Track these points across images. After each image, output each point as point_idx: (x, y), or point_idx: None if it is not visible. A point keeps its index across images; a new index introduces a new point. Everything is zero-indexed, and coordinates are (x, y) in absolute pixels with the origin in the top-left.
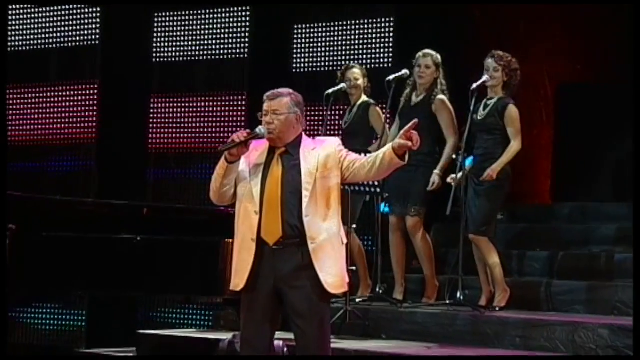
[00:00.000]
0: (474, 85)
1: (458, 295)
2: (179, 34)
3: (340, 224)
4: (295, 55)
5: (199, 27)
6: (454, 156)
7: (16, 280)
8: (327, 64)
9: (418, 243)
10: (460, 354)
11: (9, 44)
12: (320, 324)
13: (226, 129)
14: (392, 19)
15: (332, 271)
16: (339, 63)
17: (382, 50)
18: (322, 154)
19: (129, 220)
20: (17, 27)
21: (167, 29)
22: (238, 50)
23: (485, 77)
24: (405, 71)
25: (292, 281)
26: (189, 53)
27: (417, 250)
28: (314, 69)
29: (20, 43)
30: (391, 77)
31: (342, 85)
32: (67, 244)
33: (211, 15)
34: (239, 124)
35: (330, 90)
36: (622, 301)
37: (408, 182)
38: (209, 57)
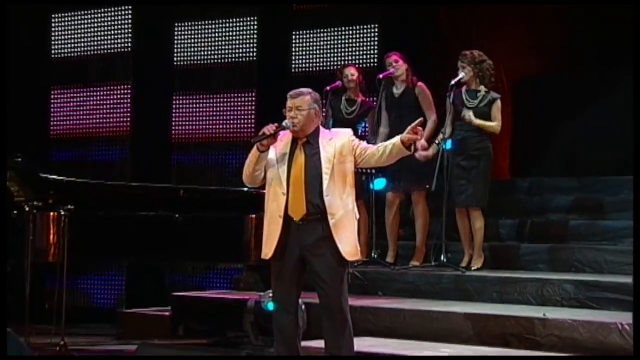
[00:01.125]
0: (453, 82)
1: (442, 257)
2: (196, 41)
3: (354, 201)
4: (293, 59)
5: (213, 34)
6: (436, 141)
7: (75, 252)
8: (323, 65)
9: (419, 213)
10: (448, 309)
11: (55, 51)
12: (340, 285)
13: (237, 122)
14: (376, 26)
15: (348, 242)
16: (334, 64)
17: (368, 52)
18: (337, 143)
19: (169, 200)
20: (61, 36)
21: (185, 37)
22: (247, 54)
23: (460, 75)
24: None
25: (315, 250)
26: (205, 58)
27: (416, 218)
28: (311, 69)
29: (64, 50)
30: (380, 75)
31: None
32: (117, 222)
33: (222, 25)
34: (249, 118)
35: (328, 87)
36: (578, 260)
37: (410, 163)
38: (222, 60)
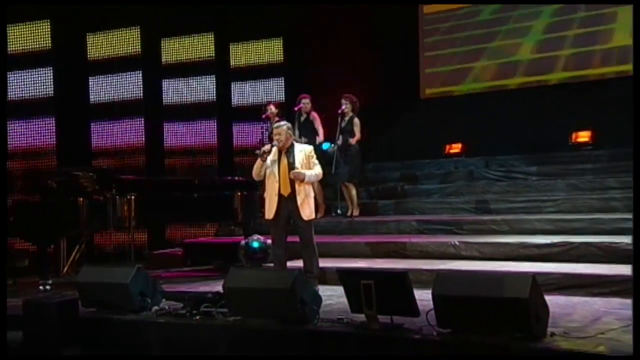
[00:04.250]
0: (339, 111)
1: (338, 211)
2: None
3: (311, 188)
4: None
5: None
6: (332, 145)
7: (137, 220)
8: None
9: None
10: (353, 240)
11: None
12: (310, 230)
13: None
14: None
15: (306, 210)
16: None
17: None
18: (303, 154)
19: (189, 186)
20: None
21: None
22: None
23: (343, 107)
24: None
25: (294, 213)
26: None
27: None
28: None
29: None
30: (295, 107)
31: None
32: (160, 200)
33: None
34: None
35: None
36: (412, 207)
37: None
38: None
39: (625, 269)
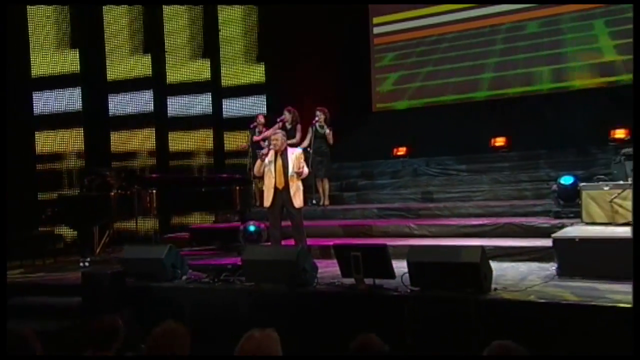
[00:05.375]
0: (314, 121)
1: (313, 201)
2: None
3: (301, 182)
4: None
5: None
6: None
7: (158, 209)
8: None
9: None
10: (329, 224)
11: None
12: (300, 217)
13: None
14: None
15: (297, 200)
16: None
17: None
18: (294, 156)
19: (196, 182)
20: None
21: None
22: None
23: (317, 117)
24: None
25: (287, 203)
26: None
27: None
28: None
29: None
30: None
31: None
32: (175, 194)
33: None
34: None
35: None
36: (372, 199)
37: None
38: None
39: (538, 242)
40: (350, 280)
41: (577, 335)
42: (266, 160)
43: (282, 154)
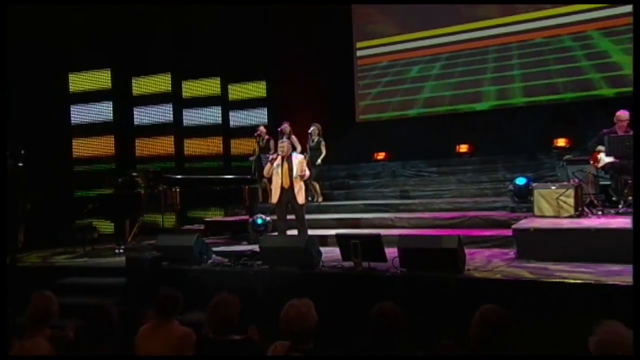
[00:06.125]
0: (309, 131)
1: (309, 198)
2: None
3: (303, 183)
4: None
5: None
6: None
7: (181, 205)
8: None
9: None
10: (325, 217)
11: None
12: (302, 211)
13: None
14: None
15: (300, 197)
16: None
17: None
18: (298, 161)
19: (211, 182)
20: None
21: None
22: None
23: (311, 130)
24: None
25: (292, 199)
26: None
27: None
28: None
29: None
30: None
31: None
32: (196, 192)
33: None
34: None
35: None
36: (361, 196)
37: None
38: None
39: (499, 232)
40: (349, 263)
41: (534, 304)
42: (274, 164)
43: (288, 159)
